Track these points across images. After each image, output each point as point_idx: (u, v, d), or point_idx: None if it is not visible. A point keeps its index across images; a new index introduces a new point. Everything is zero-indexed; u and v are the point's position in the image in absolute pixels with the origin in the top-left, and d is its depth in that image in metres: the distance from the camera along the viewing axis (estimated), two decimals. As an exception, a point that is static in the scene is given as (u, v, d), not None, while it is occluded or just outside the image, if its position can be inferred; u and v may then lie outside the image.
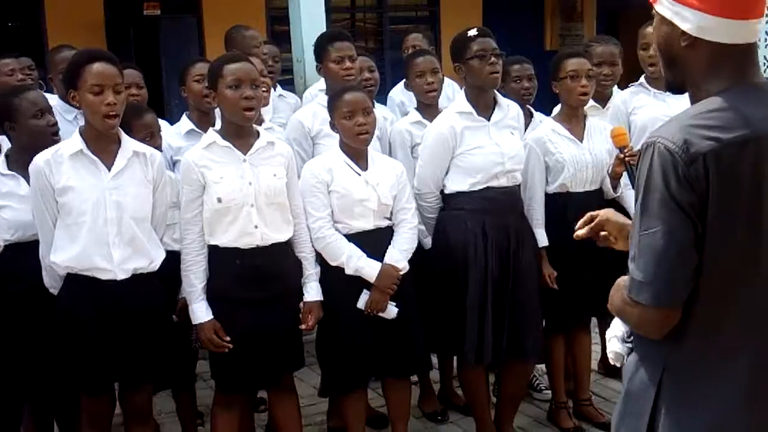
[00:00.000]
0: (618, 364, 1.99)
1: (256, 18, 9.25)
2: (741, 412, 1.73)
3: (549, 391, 4.15)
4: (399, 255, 3.42)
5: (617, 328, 2.00)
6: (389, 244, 3.44)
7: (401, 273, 3.41)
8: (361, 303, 3.36)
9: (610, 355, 2.03)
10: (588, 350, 4.06)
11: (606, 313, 4.10)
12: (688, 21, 1.72)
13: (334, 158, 3.43)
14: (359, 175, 3.40)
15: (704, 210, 1.64)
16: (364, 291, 3.36)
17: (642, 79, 4.22)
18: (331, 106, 3.43)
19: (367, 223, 3.41)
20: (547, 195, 3.78)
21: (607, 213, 2.12)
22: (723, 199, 1.64)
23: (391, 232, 3.49)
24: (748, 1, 1.70)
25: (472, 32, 3.54)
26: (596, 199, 3.80)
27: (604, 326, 4.36)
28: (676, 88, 1.87)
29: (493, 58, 3.47)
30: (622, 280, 1.80)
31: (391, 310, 3.39)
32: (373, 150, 3.56)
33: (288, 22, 6.84)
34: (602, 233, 2.13)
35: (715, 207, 1.64)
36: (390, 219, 3.49)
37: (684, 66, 1.78)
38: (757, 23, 1.72)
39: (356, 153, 3.43)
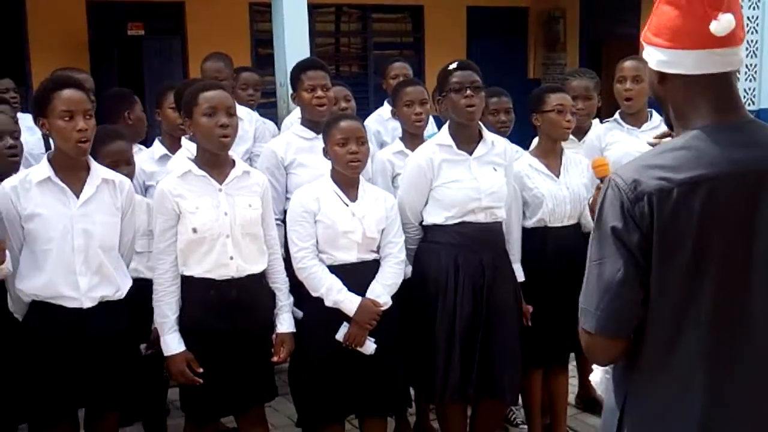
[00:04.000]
0: (599, 391, 2.04)
1: (240, 40, 9.27)
2: None
3: (525, 426, 4.10)
4: (382, 290, 3.38)
5: None
6: (373, 278, 3.40)
7: (382, 308, 3.36)
8: (339, 335, 3.32)
9: (592, 381, 2.07)
10: (565, 386, 4.03)
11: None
12: (652, 58, 1.79)
13: (324, 187, 3.39)
14: (347, 206, 3.37)
15: (650, 247, 1.69)
16: (344, 323, 3.32)
17: (617, 114, 4.23)
18: (326, 133, 3.41)
19: (350, 256, 3.37)
20: (525, 230, 3.76)
21: None
22: (667, 238, 1.68)
23: (377, 266, 3.44)
24: (698, 32, 1.70)
25: (452, 65, 3.52)
26: (574, 233, 3.80)
27: (582, 361, 4.34)
28: (669, 127, 1.90)
29: (469, 91, 3.42)
30: None
31: (369, 346, 3.35)
32: (366, 182, 3.53)
33: (272, 45, 6.84)
34: None
35: (659, 245, 1.69)
36: (377, 252, 3.46)
37: (663, 104, 1.83)
38: (721, 53, 1.72)
39: (347, 182, 3.40)
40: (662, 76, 1.78)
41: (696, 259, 1.69)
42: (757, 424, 1.79)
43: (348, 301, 3.31)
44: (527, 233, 3.76)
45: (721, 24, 1.67)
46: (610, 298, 1.73)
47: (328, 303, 3.31)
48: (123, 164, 3.39)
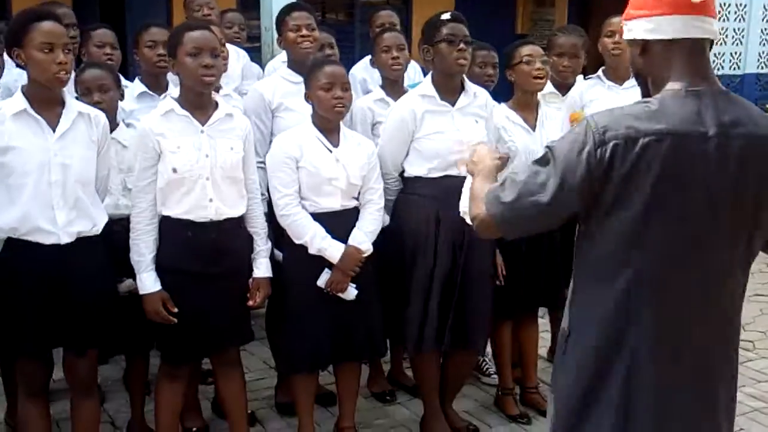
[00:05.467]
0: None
1: (226, -18, 9.09)
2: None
3: (497, 375, 4.17)
4: (363, 237, 3.39)
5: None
6: (355, 224, 3.41)
7: (365, 255, 3.38)
8: (321, 281, 3.34)
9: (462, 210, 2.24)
10: (535, 338, 4.09)
11: (556, 304, 4.11)
12: (637, 29, 1.92)
13: (305, 133, 3.38)
14: (330, 152, 3.36)
15: (589, 191, 1.81)
16: (326, 269, 3.34)
17: (600, 71, 4.25)
18: (309, 78, 3.38)
19: (334, 203, 3.37)
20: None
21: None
22: (623, 186, 1.78)
23: (357, 212, 3.45)
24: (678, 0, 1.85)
25: (446, 16, 3.48)
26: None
27: (553, 314, 4.41)
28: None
29: (462, 45, 3.41)
30: (490, 180, 2.10)
31: (351, 292, 3.37)
32: (345, 127, 3.52)
33: (258, -12, 6.73)
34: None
35: (614, 191, 1.79)
36: (356, 199, 3.46)
37: (644, 76, 1.95)
38: (699, 19, 1.86)
39: (329, 128, 3.38)
40: (644, 48, 1.90)
41: (647, 211, 1.79)
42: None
43: (332, 249, 3.32)
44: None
45: None
46: (524, 206, 1.88)
47: (311, 250, 3.32)
48: (96, 91, 3.31)
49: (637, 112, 1.82)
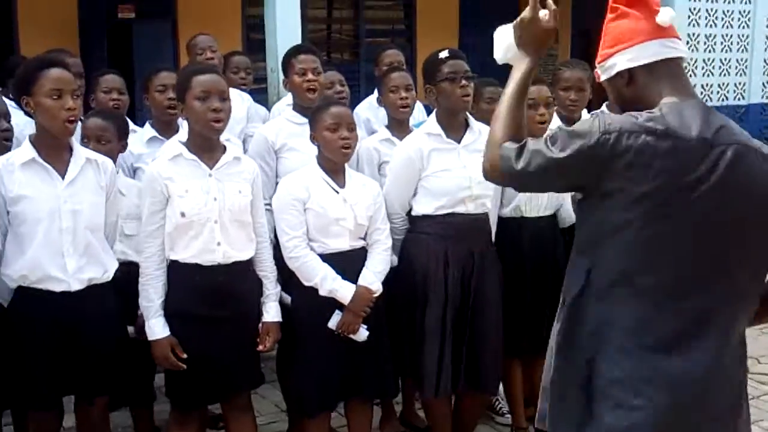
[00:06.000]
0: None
1: (231, 25, 9.21)
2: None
3: (510, 414, 4.12)
4: (373, 277, 3.38)
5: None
6: (363, 265, 3.40)
7: (375, 295, 3.37)
8: (332, 323, 3.31)
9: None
10: (545, 375, 4.04)
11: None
12: (616, 66, 2.05)
13: (312, 175, 3.38)
14: (337, 192, 3.36)
15: (597, 169, 1.88)
16: (336, 311, 3.32)
17: (603, 107, 4.25)
18: (315, 119, 3.39)
19: (343, 243, 3.37)
20: (501, 219, 3.76)
21: None
22: (624, 172, 1.86)
23: (365, 253, 3.44)
24: (649, 27, 2.02)
25: (444, 54, 3.50)
26: (550, 225, 3.81)
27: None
28: None
29: (464, 81, 3.43)
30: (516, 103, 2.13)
31: (362, 333, 3.34)
32: (349, 168, 3.53)
33: (264, 30, 6.81)
34: None
35: (615, 176, 1.87)
36: (364, 240, 3.46)
37: (636, 105, 2.01)
38: (670, 42, 2.02)
39: (334, 169, 3.39)
40: (630, 78, 2.03)
41: (647, 208, 1.86)
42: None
43: (344, 290, 3.30)
44: (503, 223, 3.76)
45: (664, 14, 2.01)
46: (531, 174, 1.96)
47: (322, 292, 3.30)
48: (93, 141, 3.35)
49: (641, 115, 1.92)
